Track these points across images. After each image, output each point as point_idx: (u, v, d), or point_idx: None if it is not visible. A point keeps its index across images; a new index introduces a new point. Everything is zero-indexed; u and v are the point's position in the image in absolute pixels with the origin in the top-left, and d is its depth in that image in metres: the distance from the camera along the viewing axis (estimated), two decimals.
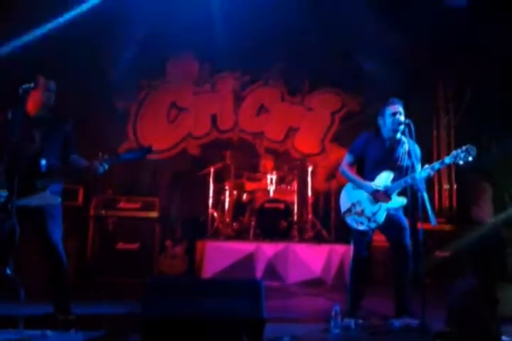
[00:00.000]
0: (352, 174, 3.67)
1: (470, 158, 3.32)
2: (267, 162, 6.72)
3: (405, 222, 3.62)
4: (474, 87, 7.04)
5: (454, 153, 3.39)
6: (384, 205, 3.52)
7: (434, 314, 3.04)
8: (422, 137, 3.70)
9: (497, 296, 2.79)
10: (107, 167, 3.22)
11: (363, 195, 3.60)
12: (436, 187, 7.40)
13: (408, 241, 3.55)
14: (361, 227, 3.56)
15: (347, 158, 3.74)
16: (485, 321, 2.19)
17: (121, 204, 5.82)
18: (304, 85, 7.64)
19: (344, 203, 3.68)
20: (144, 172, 6.90)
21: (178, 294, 2.65)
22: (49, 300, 3.22)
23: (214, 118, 7.43)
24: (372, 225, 3.54)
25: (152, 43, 6.56)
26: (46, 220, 3.23)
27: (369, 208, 3.55)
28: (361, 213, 3.56)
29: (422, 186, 3.34)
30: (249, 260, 5.60)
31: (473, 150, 3.32)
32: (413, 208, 3.45)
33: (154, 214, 5.87)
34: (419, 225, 3.22)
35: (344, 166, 3.72)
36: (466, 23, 6.11)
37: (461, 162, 3.34)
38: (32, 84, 3.04)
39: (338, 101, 7.72)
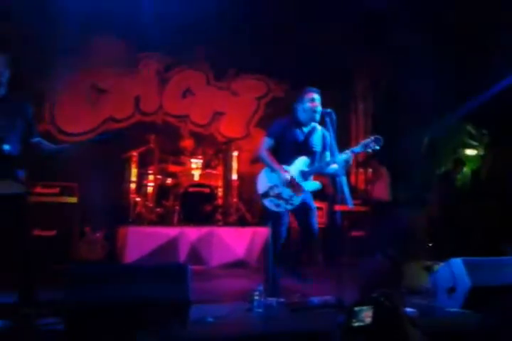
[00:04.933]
0: (270, 159, 3.74)
1: (377, 147, 3.55)
2: (188, 143, 6.70)
3: (312, 203, 3.81)
4: (390, 77, 7.42)
5: (363, 142, 3.61)
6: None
7: (351, 291, 3.23)
8: (341, 123, 3.87)
9: (403, 272, 3.02)
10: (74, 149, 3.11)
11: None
12: (353, 170, 7.79)
13: (314, 221, 3.75)
14: (278, 209, 3.67)
15: (265, 143, 3.80)
16: (389, 294, 2.37)
17: (38, 190, 5.55)
18: (230, 70, 7.65)
19: (262, 185, 3.74)
20: (62, 156, 6.60)
21: (103, 280, 2.61)
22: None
23: (137, 101, 7.24)
24: (289, 207, 3.67)
25: (72, 22, 6.23)
26: (13, 210, 3.01)
27: (286, 191, 3.66)
28: (279, 196, 3.66)
29: (341, 171, 3.52)
30: (172, 245, 5.58)
31: (380, 140, 3.54)
32: (333, 192, 3.65)
33: (73, 200, 5.66)
34: (338, 208, 3.42)
35: (263, 151, 3.78)
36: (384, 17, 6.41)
37: (369, 150, 3.57)
38: None
39: (264, 86, 7.82)
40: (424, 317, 3.03)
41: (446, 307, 3.31)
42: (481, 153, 7.95)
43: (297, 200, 3.66)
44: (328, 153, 3.77)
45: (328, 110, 3.65)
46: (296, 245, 3.81)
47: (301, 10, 6.84)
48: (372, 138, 3.56)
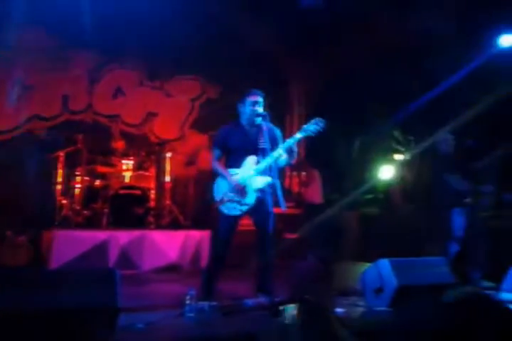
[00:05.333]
0: (220, 169, 3.77)
1: (320, 129, 3.53)
2: (119, 143, 6.49)
3: (271, 207, 3.74)
4: (325, 81, 7.61)
5: (304, 127, 3.59)
6: (251, 188, 3.64)
7: (285, 292, 3.25)
8: (276, 124, 3.90)
9: (333, 273, 3.09)
10: None
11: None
12: (288, 174, 7.90)
13: (271, 226, 3.70)
14: (234, 212, 3.65)
15: (215, 154, 3.82)
16: (320, 295, 2.42)
17: None
18: (163, 70, 7.51)
19: (217, 193, 3.75)
20: None
21: (27, 286, 2.46)
22: None
23: (65, 99, 6.92)
24: (244, 208, 3.65)
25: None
26: None
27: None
28: (232, 200, 3.65)
29: (275, 174, 3.53)
30: (101, 249, 5.37)
31: (322, 122, 3.54)
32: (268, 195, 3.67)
33: None
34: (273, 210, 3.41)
35: (214, 162, 3.80)
36: (321, 23, 6.55)
37: (311, 133, 3.54)
38: None
39: (198, 87, 7.74)
40: (353, 316, 3.11)
41: (374, 307, 3.42)
42: (408, 158, 8.31)
43: (250, 200, 3.63)
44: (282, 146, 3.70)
45: (263, 113, 3.68)
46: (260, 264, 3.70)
47: (237, 11, 6.87)
48: (313, 121, 3.56)
